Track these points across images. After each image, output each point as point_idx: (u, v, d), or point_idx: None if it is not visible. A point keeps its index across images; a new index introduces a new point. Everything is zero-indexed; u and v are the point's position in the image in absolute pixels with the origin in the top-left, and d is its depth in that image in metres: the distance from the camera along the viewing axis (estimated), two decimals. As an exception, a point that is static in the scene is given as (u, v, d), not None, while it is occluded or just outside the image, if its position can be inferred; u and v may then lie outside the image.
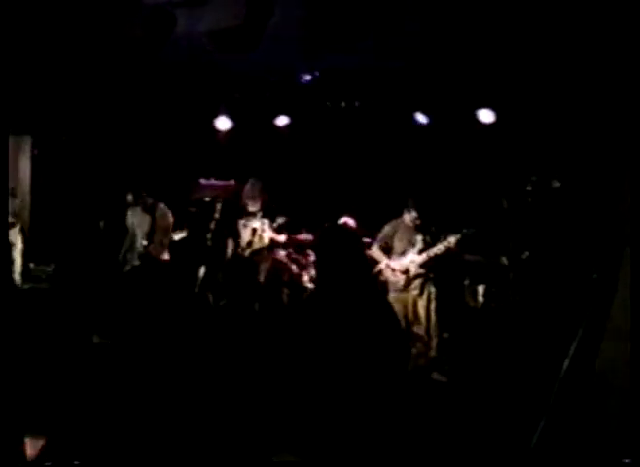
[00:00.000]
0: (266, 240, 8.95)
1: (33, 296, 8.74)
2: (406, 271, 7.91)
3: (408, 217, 8.06)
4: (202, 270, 9.00)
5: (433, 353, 7.75)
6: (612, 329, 4.47)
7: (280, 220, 9.03)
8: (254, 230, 8.95)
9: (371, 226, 8.49)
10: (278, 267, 9.43)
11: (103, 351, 7.40)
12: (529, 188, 8.15)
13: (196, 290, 9.08)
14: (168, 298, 8.84)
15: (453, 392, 7.13)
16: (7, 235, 7.73)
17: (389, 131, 10.12)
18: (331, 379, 3.77)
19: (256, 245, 8.93)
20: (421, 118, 9.82)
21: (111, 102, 9.49)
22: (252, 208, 8.99)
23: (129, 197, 8.82)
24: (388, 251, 8.12)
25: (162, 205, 8.79)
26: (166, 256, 8.80)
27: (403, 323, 7.74)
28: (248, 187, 9.06)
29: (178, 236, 8.80)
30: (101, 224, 9.20)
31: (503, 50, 7.91)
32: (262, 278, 8.96)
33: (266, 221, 9.01)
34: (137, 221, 8.68)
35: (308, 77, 9.36)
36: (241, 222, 8.99)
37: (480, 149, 9.39)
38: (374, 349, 3.76)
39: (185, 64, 8.75)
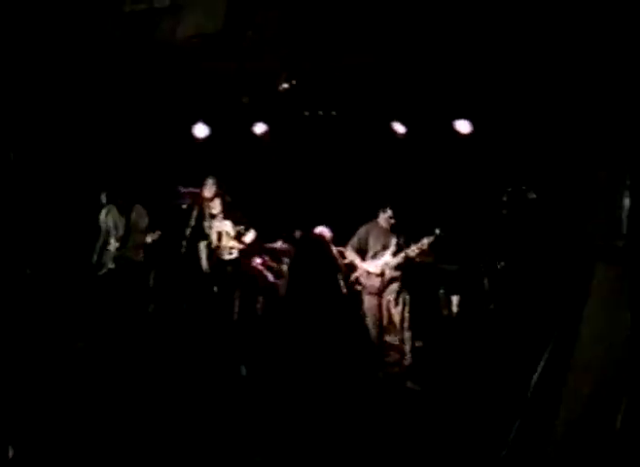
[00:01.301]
0: (232, 243, 8.93)
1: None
2: (381, 274, 7.94)
3: (383, 217, 8.12)
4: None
5: (407, 361, 7.77)
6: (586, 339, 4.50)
7: (240, 228, 9.04)
8: (219, 233, 8.94)
9: (346, 234, 8.50)
10: (253, 274, 9.41)
11: (82, 355, 7.40)
12: (505, 199, 8.20)
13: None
14: (145, 300, 8.85)
15: (427, 401, 7.13)
16: None
17: (366, 141, 10.14)
18: (302, 387, 3.78)
19: (224, 250, 8.92)
20: (399, 127, 9.84)
21: (90, 105, 9.44)
22: (213, 210, 8.97)
23: (103, 197, 8.78)
24: (363, 253, 8.15)
25: (139, 206, 8.74)
26: (141, 258, 8.76)
27: (376, 330, 7.78)
28: (206, 186, 9.03)
29: (151, 238, 8.74)
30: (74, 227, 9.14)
31: (481, 60, 7.96)
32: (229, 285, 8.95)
33: (228, 223, 9.00)
34: (112, 221, 8.61)
35: (286, 84, 9.35)
36: (206, 225, 8.97)
37: (456, 159, 9.43)
38: (343, 357, 3.78)
39: (164, 70, 8.73)
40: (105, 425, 5.56)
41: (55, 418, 5.50)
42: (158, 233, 8.75)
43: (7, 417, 4.89)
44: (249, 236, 9.09)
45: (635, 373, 3.93)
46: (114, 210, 8.66)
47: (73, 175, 9.67)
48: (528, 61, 7.61)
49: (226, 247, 9.01)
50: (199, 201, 9.18)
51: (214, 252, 8.98)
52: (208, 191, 9.05)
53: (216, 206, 9.06)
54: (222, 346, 8.03)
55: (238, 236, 9.02)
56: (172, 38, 7.59)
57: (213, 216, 9.05)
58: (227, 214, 9.11)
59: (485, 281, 8.09)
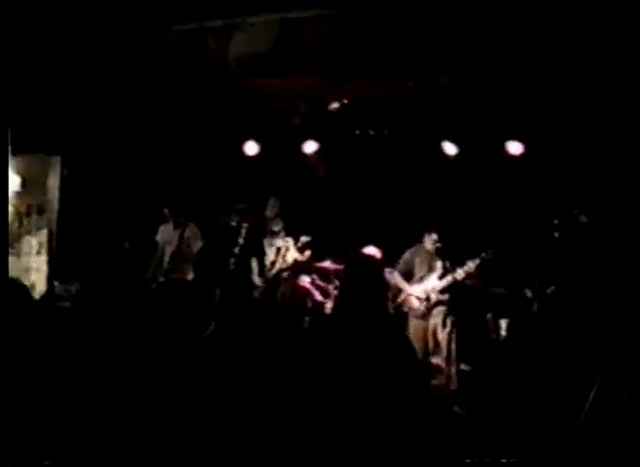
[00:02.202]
0: (290, 260, 8.93)
1: (55, 314, 8.78)
2: (426, 298, 7.88)
3: (429, 240, 8.07)
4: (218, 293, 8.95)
5: (453, 385, 7.68)
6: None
7: (304, 238, 9.01)
8: (278, 249, 8.96)
9: (395, 255, 8.45)
10: (301, 293, 9.39)
11: (124, 370, 7.43)
12: (556, 221, 8.08)
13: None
14: (189, 318, 8.86)
15: (473, 425, 7.03)
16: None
17: (417, 160, 10.09)
18: (348, 409, 3.74)
19: (280, 265, 8.92)
20: (449, 148, 9.77)
21: (143, 124, 9.57)
22: (275, 227, 9.00)
23: (166, 212, 8.87)
24: (409, 277, 8.09)
25: (192, 225, 8.83)
26: (190, 275, 8.82)
27: (422, 352, 7.70)
28: (269, 206, 9.08)
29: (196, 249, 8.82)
30: (126, 245, 9.23)
31: (533, 82, 7.90)
32: (279, 301, 8.92)
33: (290, 240, 9.01)
34: (167, 237, 8.73)
35: (337, 104, 9.36)
36: (265, 242, 9.01)
37: (507, 181, 9.33)
38: (391, 382, 3.73)
39: (215, 88, 8.80)
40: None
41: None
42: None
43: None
44: (307, 254, 9.10)
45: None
46: (169, 228, 8.79)
47: (128, 192, 9.80)
48: (583, 83, 7.54)
49: (281, 263, 9.01)
50: (252, 219, 9.23)
51: (269, 268, 8.99)
52: (270, 210, 9.10)
53: (278, 224, 9.10)
54: (267, 363, 8.00)
55: (301, 250, 9.01)
56: (223, 57, 7.66)
57: (274, 233, 9.07)
58: (288, 232, 9.14)
59: (535, 305, 7.96)
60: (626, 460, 4.09)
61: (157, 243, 8.92)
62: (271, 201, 9.16)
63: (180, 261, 8.69)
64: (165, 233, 8.87)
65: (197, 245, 8.82)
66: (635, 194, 6.53)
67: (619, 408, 4.30)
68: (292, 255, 8.95)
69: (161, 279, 8.57)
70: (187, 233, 8.72)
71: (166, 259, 8.66)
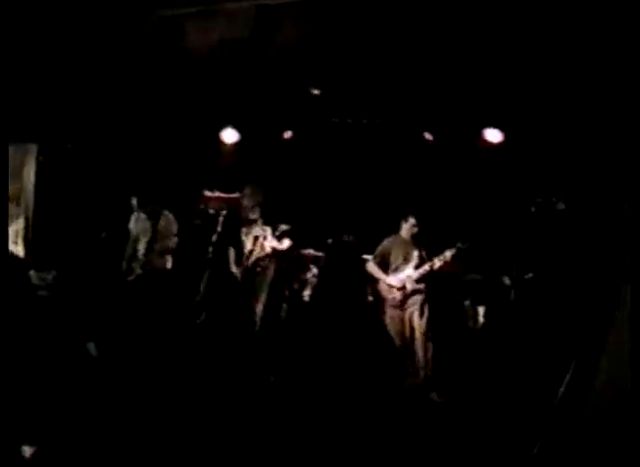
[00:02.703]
0: (268, 249, 8.88)
1: (33, 303, 8.73)
2: (402, 287, 7.90)
3: (405, 228, 8.08)
4: (202, 285, 8.91)
5: (429, 372, 7.71)
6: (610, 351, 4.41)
7: (283, 227, 8.96)
8: (256, 238, 8.91)
9: (373, 244, 8.45)
10: (279, 281, 9.38)
11: (103, 360, 7.42)
12: (534, 209, 8.11)
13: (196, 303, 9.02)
14: (170, 308, 8.85)
15: (450, 413, 7.06)
16: (7, 234, 7.73)
17: (395, 149, 10.09)
18: (325, 394, 3.75)
19: (258, 253, 8.88)
20: (428, 136, 9.80)
21: (118, 111, 9.50)
22: (252, 216, 8.95)
23: (134, 202, 8.82)
24: (385, 266, 8.10)
25: (167, 213, 8.78)
26: (169, 265, 8.78)
27: (399, 341, 7.72)
28: (246, 193, 9.02)
29: (173, 244, 8.75)
30: (103, 233, 9.16)
31: (512, 71, 7.91)
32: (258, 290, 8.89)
33: (268, 228, 8.97)
34: (140, 227, 8.67)
35: (316, 91, 9.33)
36: (243, 230, 8.95)
37: (485, 168, 9.35)
38: (367, 365, 3.74)
39: (193, 75, 8.75)
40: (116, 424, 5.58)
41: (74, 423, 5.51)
42: (176, 239, 8.76)
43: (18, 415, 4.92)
44: (286, 243, 9.07)
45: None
46: (142, 218, 8.71)
47: (104, 180, 9.73)
48: (562, 71, 7.55)
49: (258, 251, 8.98)
50: (227, 207, 9.18)
51: (246, 257, 8.95)
52: (247, 199, 9.02)
53: (255, 213, 9.04)
54: (246, 353, 8.01)
55: (279, 239, 8.97)
56: (201, 44, 7.62)
57: (252, 222, 9.01)
58: (266, 221, 9.09)
59: (512, 293, 7.99)
60: (599, 446, 4.11)
61: (129, 234, 8.83)
62: (248, 190, 9.08)
63: (157, 251, 8.63)
64: (139, 223, 8.78)
65: (173, 230, 8.75)
66: (611, 181, 6.55)
67: (592, 393, 4.32)
68: (270, 243, 8.90)
69: (139, 271, 8.53)
70: (161, 222, 8.67)
71: (141, 250, 8.58)
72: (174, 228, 8.80)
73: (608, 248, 6.13)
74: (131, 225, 8.79)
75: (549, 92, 8.03)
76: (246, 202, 9.00)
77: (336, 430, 4.54)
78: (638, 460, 3.84)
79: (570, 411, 4.38)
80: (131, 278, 8.56)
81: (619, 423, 4.05)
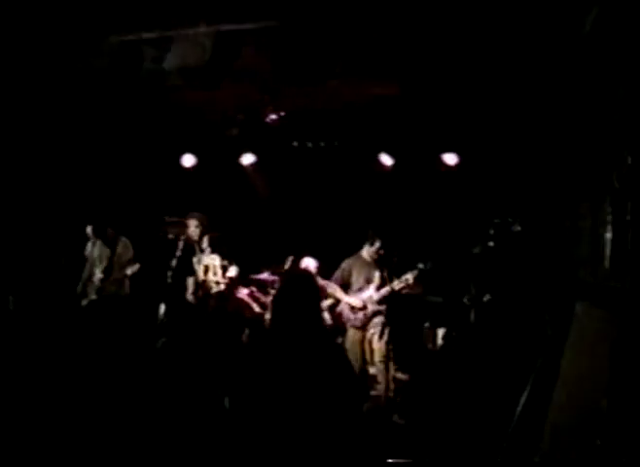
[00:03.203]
0: (219, 276, 8.93)
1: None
2: (364, 308, 7.91)
3: (367, 250, 8.10)
4: (162, 308, 8.87)
5: (391, 394, 7.72)
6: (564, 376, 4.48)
7: (224, 262, 9.04)
8: (206, 267, 8.93)
9: (332, 266, 8.47)
10: (240, 305, 9.39)
11: (66, 383, 7.36)
12: (492, 231, 8.19)
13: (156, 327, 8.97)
14: (126, 334, 8.80)
15: (413, 434, 7.08)
16: None
17: (355, 172, 10.17)
18: (286, 419, 3.75)
19: (210, 282, 8.90)
20: (386, 159, 9.89)
21: (77, 135, 9.46)
22: (203, 245, 8.96)
23: (88, 230, 8.81)
24: (346, 287, 8.11)
25: (124, 239, 8.78)
26: (126, 290, 8.77)
27: (359, 363, 7.74)
28: (191, 225, 8.98)
29: (131, 270, 8.70)
30: (62, 260, 9.11)
31: (469, 95, 8.02)
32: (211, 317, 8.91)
33: (217, 257, 9.00)
34: (97, 253, 8.66)
35: (274, 116, 9.38)
36: (194, 259, 8.93)
37: (443, 191, 9.46)
38: (327, 393, 3.75)
39: (151, 101, 8.75)
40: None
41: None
42: (137, 265, 8.73)
43: None
44: (232, 272, 9.10)
45: (613, 419, 3.90)
46: (99, 243, 8.72)
47: (59, 207, 9.65)
48: (513, 95, 7.67)
49: (212, 281, 9.01)
50: (187, 232, 9.17)
51: (201, 286, 8.94)
52: (193, 231, 8.99)
53: (204, 241, 9.06)
54: (205, 378, 7.97)
55: (223, 271, 9.01)
56: (159, 69, 7.61)
57: (202, 250, 9.03)
58: (214, 249, 9.10)
59: (472, 314, 8.05)
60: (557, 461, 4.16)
61: (85, 259, 8.82)
62: (192, 221, 9.02)
63: (114, 277, 8.63)
64: (95, 250, 8.78)
65: (128, 256, 8.76)
66: (565, 202, 6.67)
67: (548, 411, 4.38)
68: (220, 271, 8.95)
69: (93, 296, 8.51)
70: (118, 248, 8.67)
71: (97, 274, 8.56)
72: (129, 253, 8.80)
73: (561, 267, 6.25)
74: (87, 251, 8.80)
75: (502, 115, 8.16)
76: (192, 234, 8.96)
77: (295, 456, 4.52)
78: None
79: (528, 428, 4.44)
80: (85, 303, 8.57)
81: (579, 438, 4.10)
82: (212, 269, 8.96)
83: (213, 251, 9.07)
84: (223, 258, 9.04)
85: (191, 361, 8.40)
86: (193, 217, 8.98)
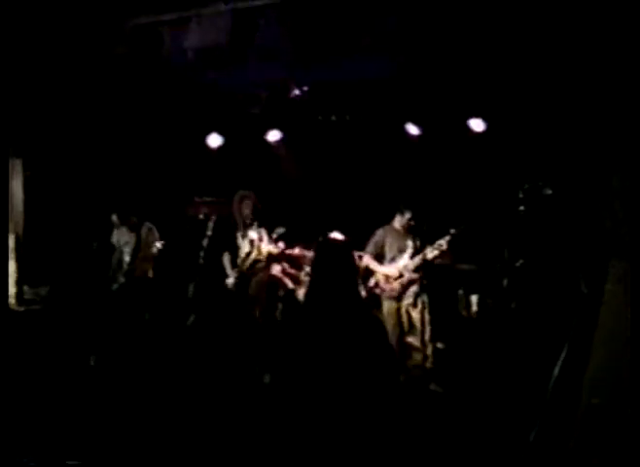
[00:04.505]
0: (264, 251, 8.88)
1: (27, 318, 8.78)
2: (399, 277, 7.90)
3: (399, 221, 8.08)
4: (191, 287, 8.93)
5: (429, 364, 7.72)
6: (602, 337, 4.44)
7: (279, 230, 8.95)
8: (252, 241, 8.91)
9: (364, 238, 8.46)
10: (273, 282, 9.41)
11: (98, 371, 7.47)
12: (521, 196, 8.12)
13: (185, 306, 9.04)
14: (157, 314, 8.91)
15: (450, 402, 7.09)
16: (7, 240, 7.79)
17: (381, 144, 10.11)
18: (323, 394, 3.77)
19: (255, 256, 8.88)
20: (412, 129, 9.82)
21: (101, 122, 9.51)
22: (247, 220, 8.94)
23: (114, 218, 8.95)
24: (380, 258, 8.10)
25: (148, 223, 8.92)
26: (153, 272, 8.91)
27: (397, 333, 7.74)
28: (237, 199, 9.00)
29: (155, 249, 8.79)
30: (94, 245, 9.20)
31: (492, 58, 7.93)
32: (253, 292, 8.90)
33: (263, 231, 8.97)
34: (123, 240, 8.81)
35: (298, 91, 9.35)
36: (239, 234, 8.95)
37: (471, 158, 9.38)
38: (364, 363, 3.76)
39: (174, 82, 8.76)
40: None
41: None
42: (161, 242, 8.81)
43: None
44: (280, 244, 9.06)
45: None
46: (124, 230, 8.85)
47: (89, 193, 9.74)
48: (539, 56, 7.57)
49: (259, 254, 8.96)
50: (217, 211, 9.19)
51: (242, 260, 8.94)
52: (242, 204, 8.98)
53: (250, 216, 9.00)
54: (244, 354, 8.03)
55: (275, 241, 8.97)
56: (179, 50, 7.62)
57: (247, 225, 8.98)
58: (260, 223, 9.07)
59: (504, 280, 8.00)
60: (594, 431, 4.15)
61: (112, 245, 8.96)
62: (240, 195, 9.02)
63: (140, 260, 8.81)
64: (121, 236, 8.98)
65: (154, 239, 8.88)
66: (598, 164, 6.58)
67: (583, 381, 4.35)
68: (266, 246, 8.91)
69: (122, 280, 8.67)
70: (143, 232, 8.85)
71: (126, 259, 8.72)
72: (155, 237, 8.92)
73: (595, 231, 6.18)
74: (114, 238, 8.94)
75: (530, 77, 8.05)
76: (241, 208, 8.96)
77: (334, 429, 4.54)
78: (633, 445, 3.87)
79: (564, 395, 4.42)
80: (115, 287, 8.73)
81: (614, 408, 4.08)
82: (257, 242, 8.93)
83: (261, 226, 9.03)
84: (270, 233, 9.00)
85: (222, 338, 8.48)
86: (245, 194, 8.99)
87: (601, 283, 4.60)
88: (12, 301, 9.08)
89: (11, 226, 9.37)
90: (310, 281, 4.22)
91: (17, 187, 9.53)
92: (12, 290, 9.20)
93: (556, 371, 4.56)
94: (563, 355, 4.57)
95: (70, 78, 8.41)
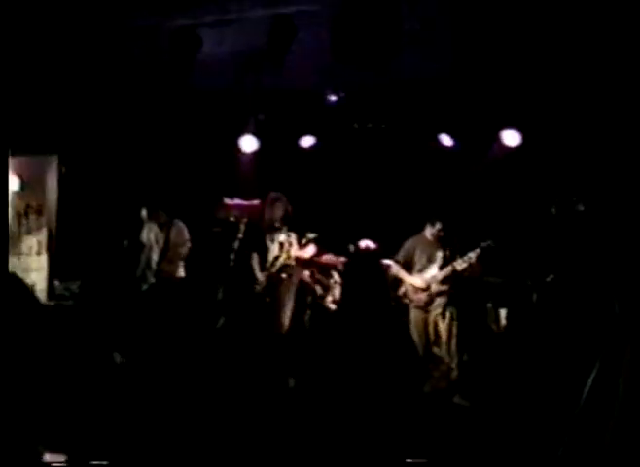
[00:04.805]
0: (293, 255, 8.85)
1: (58, 313, 8.84)
2: (427, 288, 7.88)
3: (429, 230, 8.07)
4: (221, 291, 8.93)
5: (454, 376, 7.69)
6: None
7: (311, 235, 8.91)
8: (281, 244, 8.90)
9: (394, 247, 8.44)
10: (302, 287, 9.39)
11: (124, 369, 7.52)
12: (554, 210, 8.07)
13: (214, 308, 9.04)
14: (185, 317, 8.93)
15: (475, 416, 7.05)
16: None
17: (415, 152, 10.09)
18: (349, 398, 3.78)
19: (284, 260, 8.85)
20: (446, 140, 9.79)
21: (138, 122, 9.58)
22: (277, 223, 8.92)
23: (143, 214, 8.91)
24: (409, 268, 8.09)
25: (179, 222, 8.89)
26: (181, 273, 8.90)
27: (423, 344, 7.71)
28: (269, 201, 8.98)
29: (185, 251, 8.87)
30: (125, 242, 9.24)
31: (529, 71, 7.90)
32: (282, 296, 8.88)
33: (293, 235, 8.94)
34: (153, 237, 8.79)
35: (334, 97, 9.36)
36: (268, 237, 8.94)
37: (504, 170, 9.33)
38: (389, 370, 3.77)
39: (210, 84, 8.81)
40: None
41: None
42: (189, 244, 8.87)
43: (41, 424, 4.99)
44: (310, 250, 9.02)
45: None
46: (154, 227, 8.83)
47: (122, 189, 9.80)
48: (577, 70, 7.53)
49: (288, 258, 8.94)
50: (248, 214, 9.20)
51: (271, 263, 8.93)
52: (274, 207, 8.95)
53: (280, 220, 8.97)
54: (270, 359, 8.04)
55: (305, 246, 8.94)
56: (218, 52, 7.66)
57: (277, 228, 8.96)
58: (290, 227, 9.05)
59: (534, 295, 7.95)
60: (623, 450, 4.09)
61: (142, 243, 8.96)
62: (272, 198, 8.99)
63: (168, 260, 8.81)
64: (151, 234, 8.90)
65: (184, 239, 8.88)
66: (631, 181, 6.53)
67: (616, 397, 4.29)
68: (295, 250, 8.89)
69: (152, 280, 8.68)
70: (172, 232, 8.80)
71: (155, 258, 8.72)
72: (185, 236, 8.91)
73: (628, 249, 6.11)
74: (144, 236, 8.89)
75: (566, 91, 8.01)
76: (272, 210, 8.93)
77: (356, 436, 4.53)
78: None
79: (595, 411, 4.36)
80: (145, 287, 8.73)
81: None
82: (287, 246, 8.91)
83: (290, 229, 9.01)
84: (301, 238, 8.97)
85: (250, 342, 8.48)
86: (277, 197, 8.97)
87: (636, 305, 4.54)
88: (42, 295, 9.15)
89: (44, 220, 9.47)
90: (342, 289, 4.23)
91: (51, 182, 9.62)
92: (43, 284, 9.28)
93: (587, 387, 4.50)
94: (593, 375, 4.51)
95: (107, 75, 8.48)
